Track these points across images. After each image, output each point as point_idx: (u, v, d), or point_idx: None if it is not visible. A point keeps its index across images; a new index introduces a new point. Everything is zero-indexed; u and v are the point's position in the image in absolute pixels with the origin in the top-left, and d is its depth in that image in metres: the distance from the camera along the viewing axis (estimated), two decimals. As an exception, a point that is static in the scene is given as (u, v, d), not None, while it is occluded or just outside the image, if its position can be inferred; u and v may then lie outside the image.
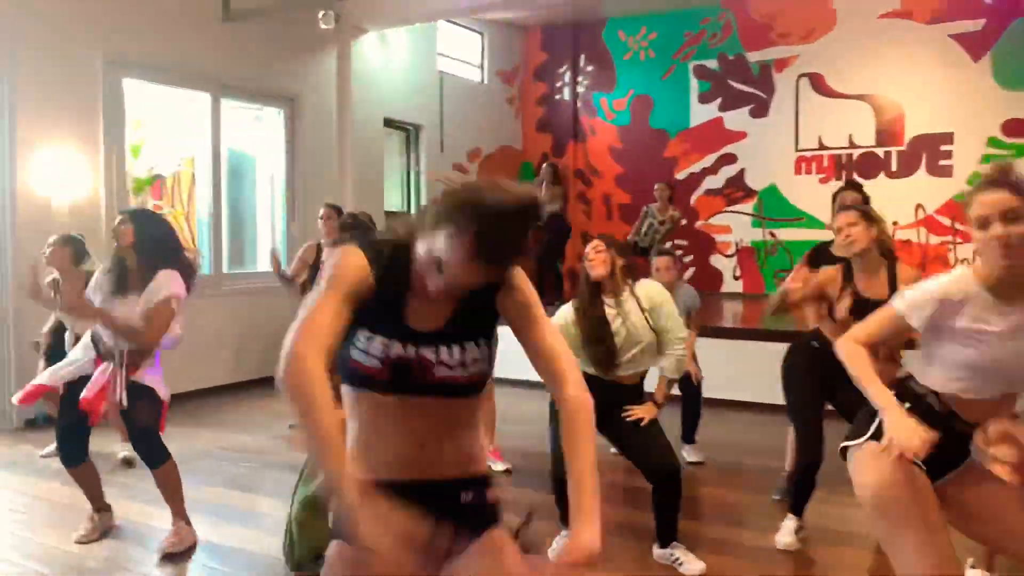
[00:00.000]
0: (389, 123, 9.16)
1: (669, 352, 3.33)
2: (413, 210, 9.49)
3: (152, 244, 3.34)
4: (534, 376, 1.59)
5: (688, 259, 10.14)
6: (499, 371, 1.97)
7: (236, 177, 7.54)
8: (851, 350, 2.04)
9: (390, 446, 1.55)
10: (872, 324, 2.09)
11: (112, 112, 6.14)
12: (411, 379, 1.51)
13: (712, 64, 10.04)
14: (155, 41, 6.34)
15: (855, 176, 8.86)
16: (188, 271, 3.39)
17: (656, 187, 8.18)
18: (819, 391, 3.40)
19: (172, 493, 3.42)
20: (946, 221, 8.78)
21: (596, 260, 3.24)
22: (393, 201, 9.35)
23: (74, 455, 3.45)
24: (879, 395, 1.99)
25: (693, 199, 10.14)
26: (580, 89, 11.08)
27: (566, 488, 2.71)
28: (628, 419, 3.21)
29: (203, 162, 7.07)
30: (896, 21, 8.94)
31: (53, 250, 4.34)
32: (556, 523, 3.24)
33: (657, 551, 3.27)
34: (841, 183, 5.77)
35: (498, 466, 4.45)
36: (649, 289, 3.31)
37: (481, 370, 1.56)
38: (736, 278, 9.97)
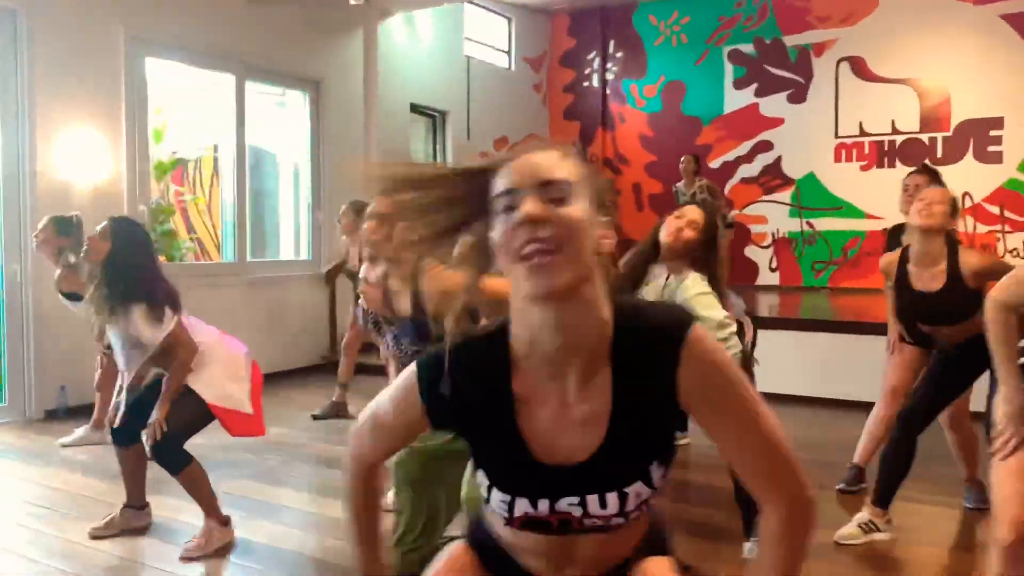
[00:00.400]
0: (415, 109, 8.92)
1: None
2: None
3: (124, 270, 3.01)
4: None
5: (721, 250, 9.82)
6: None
7: (258, 164, 7.35)
8: (997, 315, 1.81)
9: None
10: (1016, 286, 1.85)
11: (134, 92, 5.94)
12: (551, 532, 1.13)
13: (748, 49, 9.72)
14: (179, 19, 6.14)
15: (898, 163, 8.54)
16: (170, 299, 3.08)
17: (681, 161, 7.97)
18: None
19: (199, 494, 3.16)
20: (995, 210, 8.43)
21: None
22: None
23: (126, 433, 3.20)
24: (1002, 365, 1.84)
25: (728, 188, 9.83)
26: (609, 76, 10.80)
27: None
28: None
29: (226, 147, 6.87)
30: (941, 1, 8.58)
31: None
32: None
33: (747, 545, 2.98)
34: (901, 169, 5.52)
35: None
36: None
37: (652, 498, 1.14)
38: (772, 269, 9.65)
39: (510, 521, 1.11)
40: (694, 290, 2.70)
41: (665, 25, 10.28)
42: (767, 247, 9.70)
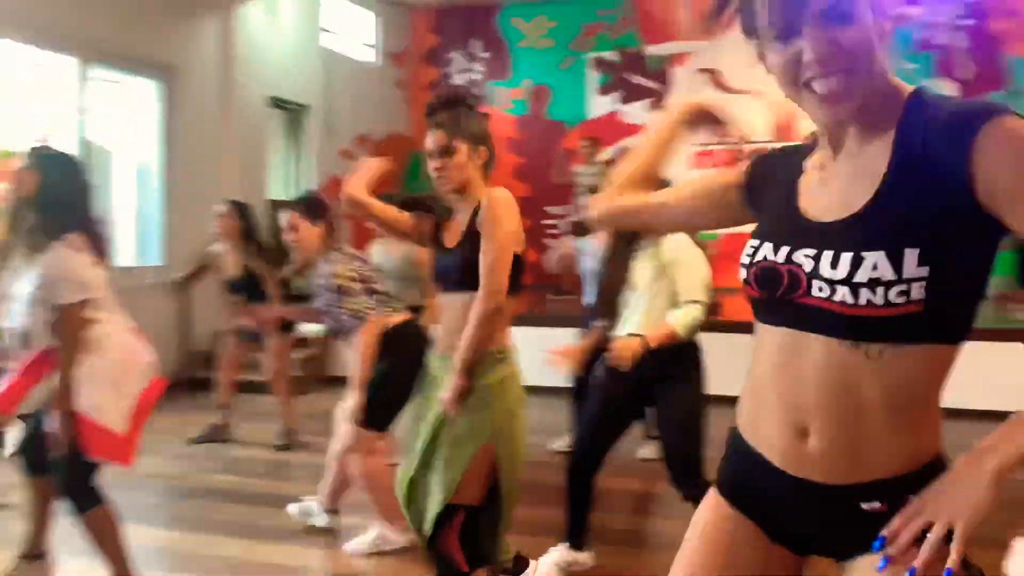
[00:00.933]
0: (274, 102, 8.38)
1: None
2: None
3: (57, 200, 2.57)
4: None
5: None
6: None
7: (94, 160, 6.58)
8: None
9: (767, 413, 1.13)
10: None
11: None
12: (779, 296, 1.07)
13: (611, 56, 9.90)
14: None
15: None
16: (98, 238, 2.65)
17: (582, 144, 8.49)
18: None
19: (107, 550, 2.62)
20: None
21: None
22: (276, 189, 8.57)
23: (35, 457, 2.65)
24: None
25: (591, 193, 9.97)
26: (474, 76, 10.66)
27: (583, 489, 2.79)
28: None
29: (62, 140, 6.09)
30: (792, 21, 9.10)
31: None
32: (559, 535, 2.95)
33: None
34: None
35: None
36: None
37: (900, 304, 0.96)
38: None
39: (749, 267, 1.12)
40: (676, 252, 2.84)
41: (530, 28, 10.27)
42: (630, 251, 9.92)
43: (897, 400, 1.03)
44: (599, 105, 9.97)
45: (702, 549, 1.20)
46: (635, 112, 9.78)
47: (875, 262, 0.97)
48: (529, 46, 10.30)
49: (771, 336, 1.11)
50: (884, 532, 1.01)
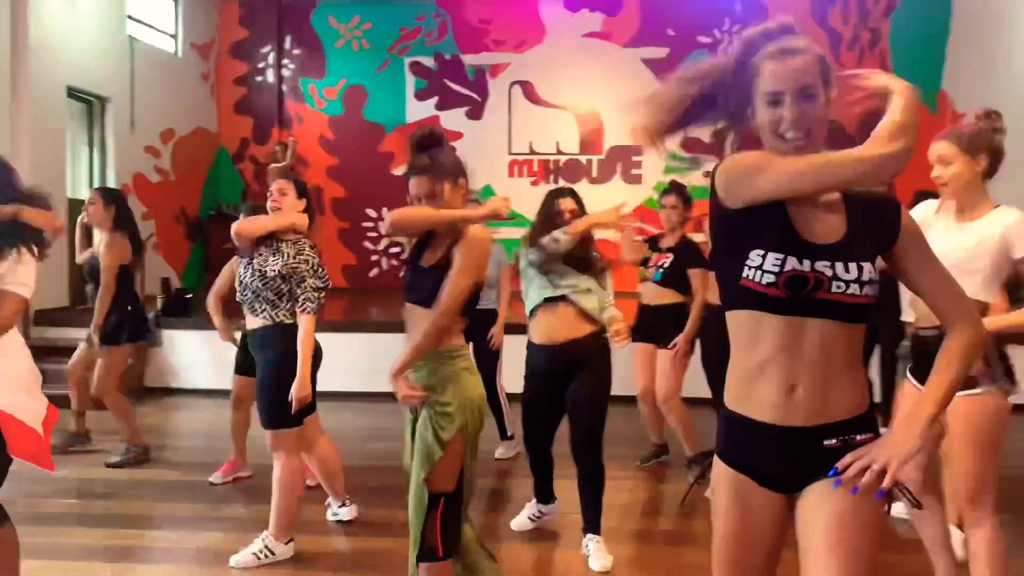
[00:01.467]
0: (73, 93, 7.74)
1: None
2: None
3: None
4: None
5: (406, 257, 10.13)
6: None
7: None
8: None
9: (764, 380, 1.58)
10: None
11: None
12: (804, 294, 1.52)
13: (428, 62, 10.10)
14: None
15: (562, 181, 9.59)
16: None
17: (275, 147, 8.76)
18: None
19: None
20: (637, 224, 9.87)
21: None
22: (75, 186, 7.92)
23: None
24: None
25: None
26: (286, 73, 10.42)
27: (541, 455, 3.50)
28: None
29: None
30: (597, 41, 9.83)
31: None
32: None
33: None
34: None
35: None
36: None
37: (874, 292, 1.54)
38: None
39: (779, 275, 1.52)
40: None
41: (346, 28, 10.23)
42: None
43: (852, 360, 1.58)
44: (417, 110, 10.14)
45: (731, 508, 1.67)
46: (453, 118, 10.05)
47: (867, 268, 1.54)
48: (345, 46, 10.25)
49: (773, 323, 1.56)
50: (837, 465, 1.53)
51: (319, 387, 3.49)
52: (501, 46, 9.99)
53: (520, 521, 3.75)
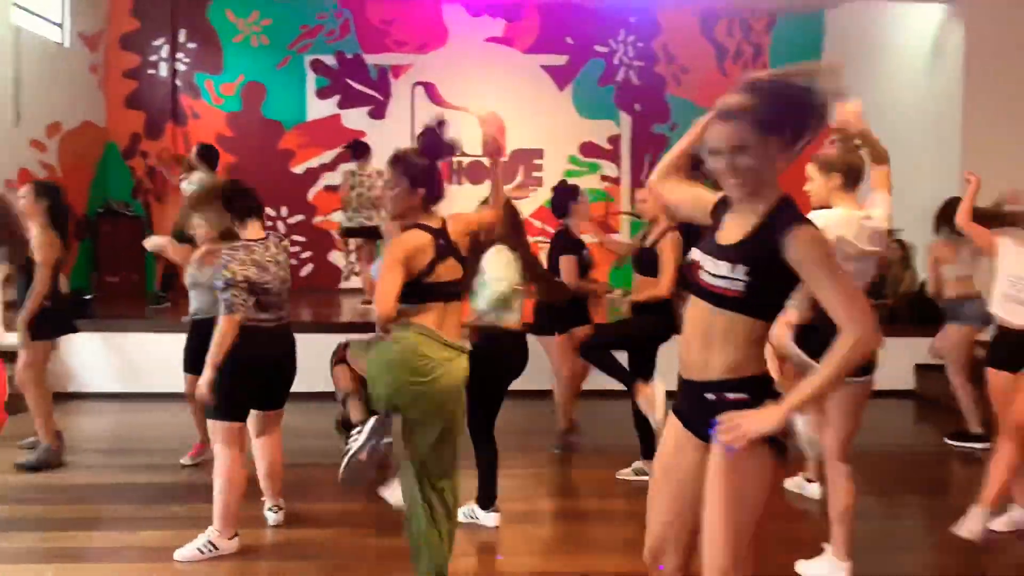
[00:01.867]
0: (-48, 83, 7.32)
1: None
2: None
3: None
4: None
5: (306, 255, 10.09)
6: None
7: None
8: None
9: (683, 341, 2.07)
10: None
11: None
12: (687, 276, 2.04)
13: (330, 60, 10.07)
14: None
15: (466, 182, 9.80)
16: None
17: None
18: None
19: None
20: (538, 224, 10.21)
21: None
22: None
23: None
24: None
25: (311, 195, 10.09)
26: (180, 67, 10.14)
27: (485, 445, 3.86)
28: None
29: None
30: (499, 47, 10.08)
31: None
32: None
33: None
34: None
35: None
36: None
37: (735, 289, 1.91)
38: (357, 274, 10.18)
39: (689, 263, 2.07)
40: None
41: (244, 23, 10.05)
42: (351, 252, 10.18)
43: (727, 337, 1.97)
44: (318, 108, 10.09)
45: (666, 446, 2.17)
46: (355, 116, 10.06)
47: (733, 268, 1.94)
48: (243, 41, 10.08)
49: (692, 301, 2.06)
50: (716, 419, 1.94)
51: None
52: (404, 47, 10.08)
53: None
